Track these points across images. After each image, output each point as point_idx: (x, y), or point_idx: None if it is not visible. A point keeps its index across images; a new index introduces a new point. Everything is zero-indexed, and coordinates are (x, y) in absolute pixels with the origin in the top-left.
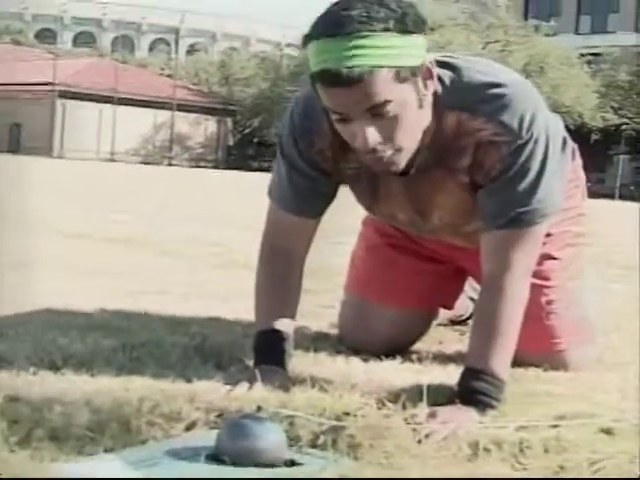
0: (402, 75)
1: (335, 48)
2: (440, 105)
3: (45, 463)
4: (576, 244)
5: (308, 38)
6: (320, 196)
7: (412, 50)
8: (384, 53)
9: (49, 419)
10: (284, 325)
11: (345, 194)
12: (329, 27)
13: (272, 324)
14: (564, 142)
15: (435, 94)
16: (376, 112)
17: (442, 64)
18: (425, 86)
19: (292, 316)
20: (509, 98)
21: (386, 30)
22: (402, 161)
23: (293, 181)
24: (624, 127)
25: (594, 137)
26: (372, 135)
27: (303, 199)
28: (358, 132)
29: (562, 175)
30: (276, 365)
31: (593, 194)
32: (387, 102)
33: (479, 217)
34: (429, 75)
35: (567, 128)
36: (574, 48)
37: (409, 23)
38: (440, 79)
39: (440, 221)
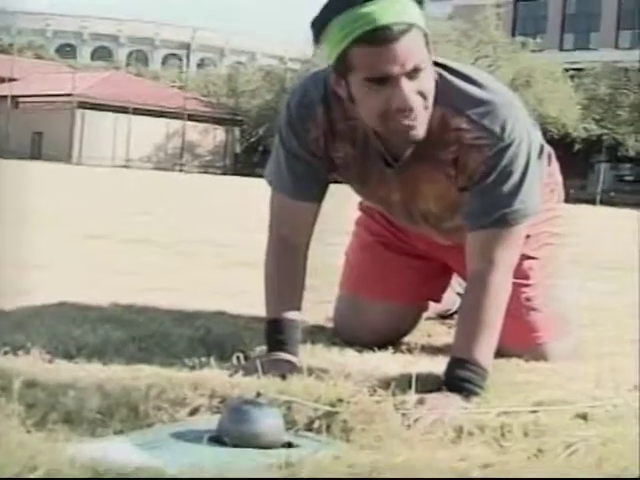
0: (427, 39)
1: (375, 10)
2: None
3: (59, 444)
4: (553, 244)
5: (338, 10)
6: (317, 180)
7: (423, 20)
8: (413, 14)
9: (63, 403)
10: (292, 312)
11: (342, 199)
12: None
13: (281, 312)
14: (541, 148)
15: None
16: (412, 75)
17: (434, 63)
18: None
19: (299, 302)
20: (492, 104)
21: None
22: (424, 125)
23: (291, 167)
24: (605, 137)
25: (577, 146)
26: (412, 94)
27: (301, 183)
28: (398, 93)
29: (540, 179)
30: (285, 350)
31: (575, 200)
32: (422, 64)
33: (462, 217)
34: (430, 52)
35: (552, 138)
36: (558, 63)
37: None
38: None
39: (425, 211)
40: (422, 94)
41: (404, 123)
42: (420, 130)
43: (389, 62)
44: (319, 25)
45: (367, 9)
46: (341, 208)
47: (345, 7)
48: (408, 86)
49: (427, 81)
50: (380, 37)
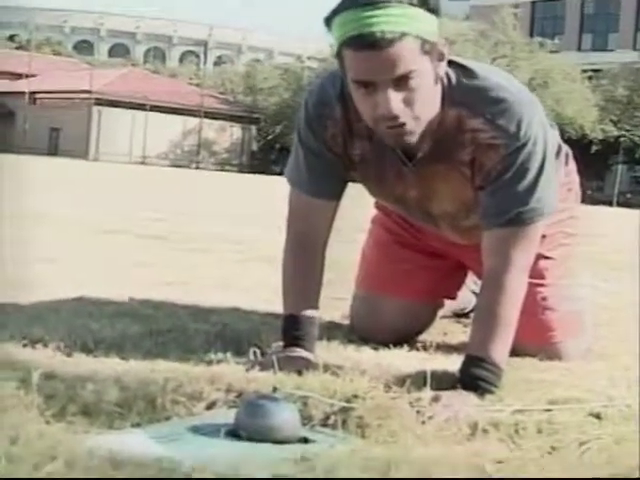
0: (425, 47)
1: (368, 16)
2: (445, 100)
3: (78, 435)
4: (568, 244)
5: (337, 11)
6: (335, 178)
7: (433, 27)
8: (412, 23)
9: (82, 395)
10: (309, 309)
11: (359, 197)
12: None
13: (298, 308)
14: (559, 148)
15: (442, 88)
16: (400, 83)
17: (450, 62)
18: (437, 66)
19: (316, 299)
20: (509, 102)
21: (412, 4)
22: (417, 132)
23: (310, 164)
24: (622, 139)
25: (594, 148)
26: (396, 102)
27: (320, 181)
28: (382, 100)
29: (557, 179)
30: (302, 346)
31: (593, 201)
32: (412, 72)
33: (479, 216)
34: (442, 57)
35: (569, 139)
36: (576, 64)
37: (430, 3)
38: (447, 75)
39: (441, 210)
40: (410, 103)
41: (390, 129)
42: (411, 137)
43: (372, 68)
44: (327, 23)
45: (361, 14)
46: (359, 205)
47: (344, 8)
48: (393, 94)
49: (420, 91)
50: (364, 43)
